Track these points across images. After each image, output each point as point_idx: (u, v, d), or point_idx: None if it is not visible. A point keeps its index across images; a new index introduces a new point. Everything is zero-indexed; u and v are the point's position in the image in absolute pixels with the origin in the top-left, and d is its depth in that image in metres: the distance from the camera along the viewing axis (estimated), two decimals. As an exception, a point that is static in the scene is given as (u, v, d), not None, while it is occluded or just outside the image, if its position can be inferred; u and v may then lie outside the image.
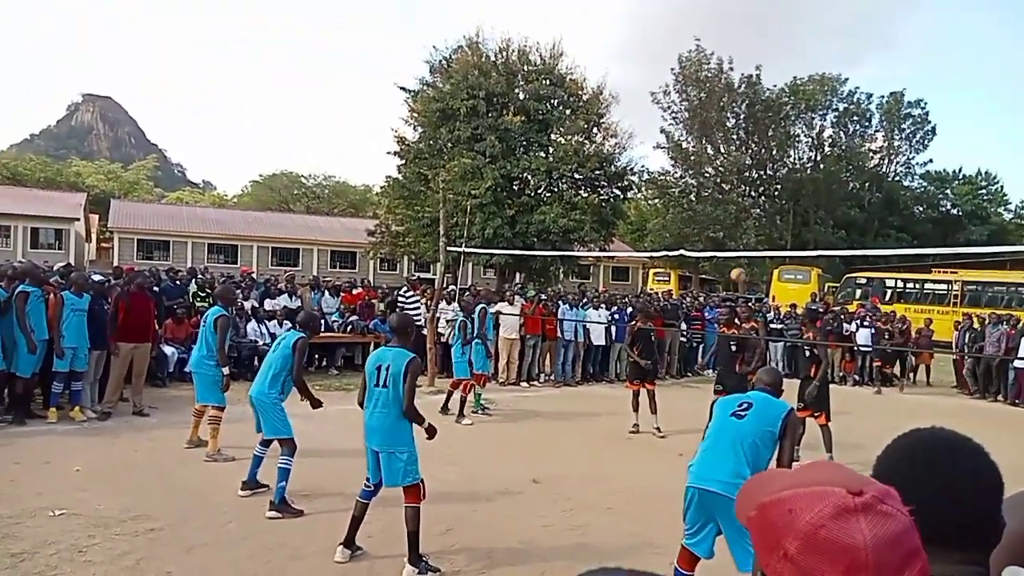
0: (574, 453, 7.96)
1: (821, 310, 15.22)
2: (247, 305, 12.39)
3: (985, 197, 43.70)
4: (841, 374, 15.65)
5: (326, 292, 13.98)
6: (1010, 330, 14.21)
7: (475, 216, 20.54)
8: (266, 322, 12.20)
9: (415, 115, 23.87)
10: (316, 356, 13.39)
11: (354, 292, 14.38)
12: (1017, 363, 13.33)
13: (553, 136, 24.17)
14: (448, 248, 13.30)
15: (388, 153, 24.25)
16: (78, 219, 33.94)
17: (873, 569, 0.75)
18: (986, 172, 44.35)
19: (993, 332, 14.33)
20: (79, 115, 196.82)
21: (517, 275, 24.29)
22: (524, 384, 12.93)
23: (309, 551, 4.80)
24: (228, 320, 7.42)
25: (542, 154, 23.60)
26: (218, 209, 44.07)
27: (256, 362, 11.82)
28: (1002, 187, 44.66)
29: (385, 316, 13.09)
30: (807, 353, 7.99)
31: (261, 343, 11.93)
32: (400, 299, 13.04)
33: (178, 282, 12.31)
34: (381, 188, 27.64)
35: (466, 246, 13.92)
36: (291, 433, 5.80)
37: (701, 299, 19.27)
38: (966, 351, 14.60)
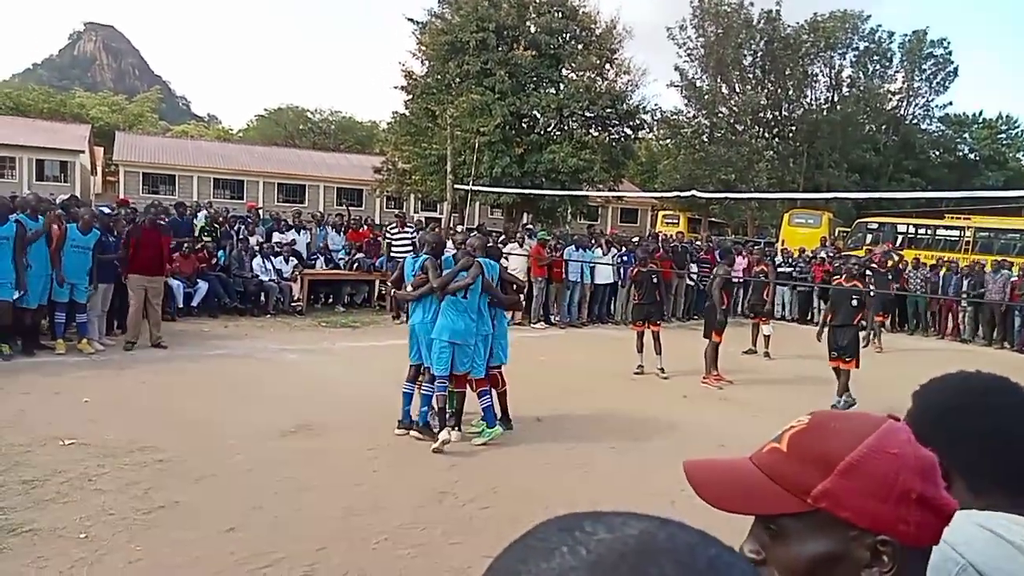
0: (578, 393, 8.00)
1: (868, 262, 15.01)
2: (252, 240, 12.34)
3: (1005, 142, 42.73)
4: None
5: (331, 229, 13.90)
6: (1017, 278, 14.07)
7: (483, 154, 20.22)
8: (271, 258, 12.17)
9: (423, 48, 23.26)
10: (322, 293, 13.42)
11: (360, 230, 14.28)
12: None
13: (564, 72, 23.57)
14: (455, 186, 13.16)
15: (395, 88, 23.78)
16: (83, 151, 33.67)
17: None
18: (1007, 116, 43.24)
19: (996, 278, 14.20)
20: (81, 44, 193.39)
21: (525, 215, 24.08)
22: (530, 325, 12.94)
23: (315, 484, 4.87)
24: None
25: (552, 91, 23.06)
26: (224, 143, 43.59)
27: (263, 297, 11.87)
28: (1022, 131, 43.64)
29: (385, 255, 13.05)
30: (853, 302, 8.00)
31: (267, 279, 11.93)
32: (388, 236, 12.92)
33: (185, 217, 12.25)
34: (388, 124, 27.23)
35: (474, 184, 13.75)
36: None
37: (713, 241, 19.11)
38: (965, 298, 14.49)
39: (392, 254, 12.48)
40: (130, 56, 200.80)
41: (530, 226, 18.08)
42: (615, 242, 15.24)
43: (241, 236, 12.30)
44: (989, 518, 0.97)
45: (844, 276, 8.50)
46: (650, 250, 11.00)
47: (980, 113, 42.62)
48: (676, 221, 31.18)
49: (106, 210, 9.03)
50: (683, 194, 14.24)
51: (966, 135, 41.81)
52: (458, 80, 22.21)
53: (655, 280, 9.47)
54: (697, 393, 8.45)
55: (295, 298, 12.26)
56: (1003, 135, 42.71)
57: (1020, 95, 78.94)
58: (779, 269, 16.70)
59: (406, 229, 12.86)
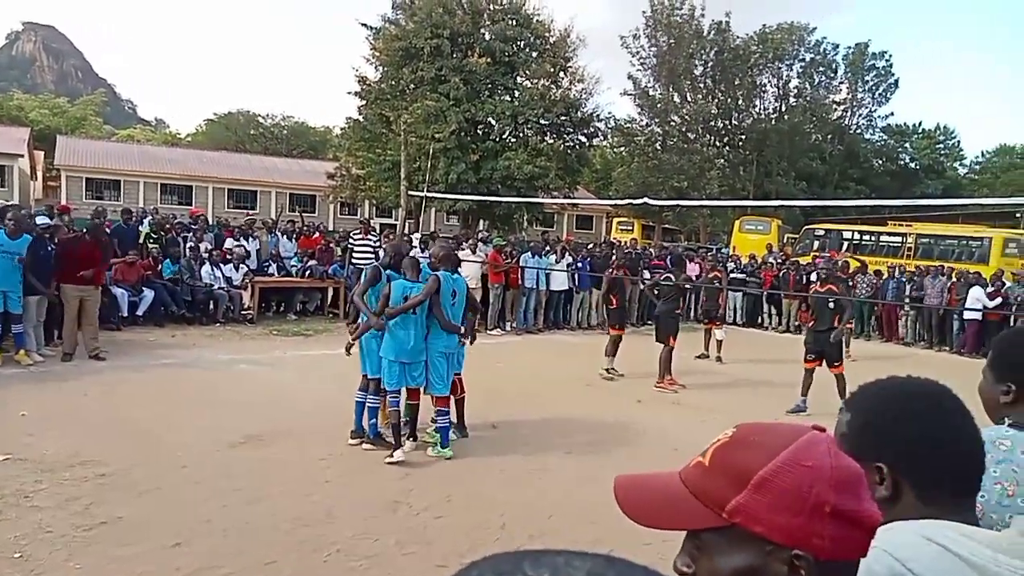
0: (534, 399, 8.00)
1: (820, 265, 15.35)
2: (202, 247, 12.06)
3: (942, 152, 44.46)
4: (797, 323, 15.99)
5: (283, 236, 13.68)
6: (951, 282, 14.69)
7: (438, 160, 20.19)
8: (221, 265, 11.90)
9: (377, 54, 23.11)
10: (274, 301, 13.18)
11: (312, 236, 14.08)
12: (967, 314, 13.74)
13: (519, 79, 23.69)
14: (410, 193, 13.08)
15: (349, 93, 23.58)
16: (22, 155, 32.40)
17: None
18: (944, 127, 45.07)
19: (934, 284, 14.77)
20: (20, 45, 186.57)
21: (481, 222, 24.08)
22: (486, 332, 12.91)
23: (265, 495, 4.76)
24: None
25: (507, 98, 23.15)
26: (171, 148, 42.48)
27: (212, 306, 11.61)
28: (958, 142, 45.49)
29: (343, 262, 12.89)
30: (830, 305, 8.22)
31: (216, 287, 11.67)
32: (351, 242, 12.78)
33: (130, 224, 11.89)
34: (342, 130, 26.97)
35: (428, 191, 13.69)
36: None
37: (667, 248, 19.38)
38: (906, 303, 15.02)
39: (354, 260, 12.34)
40: (72, 57, 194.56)
41: (484, 233, 18.09)
42: (571, 248, 15.34)
43: (190, 243, 12.00)
44: (936, 530, 0.97)
45: (819, 282, 8.69)
46: (630, 256, 11.24)
47: (920, 124, 44.31)
48: (631, 228, 31.56)
49: (43, 220, 8.66)
50: (636, 202, 14.41)
51: (907, 145, 43.38)
52: (412, 86, 22.12)
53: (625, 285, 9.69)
54: (651, 397, 8.54)
55: (245, 306, 12.02)
56: (941, 145, 44.44)
57: (956, 107, 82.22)
58: (731, 275, 17.05)
59: (369, 237, 12.73)
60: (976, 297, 13.66)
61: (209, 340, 10.33)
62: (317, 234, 14.42)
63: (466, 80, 21.71)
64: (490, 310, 13.09)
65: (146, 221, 12.50)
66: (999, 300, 13.43)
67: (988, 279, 14.18)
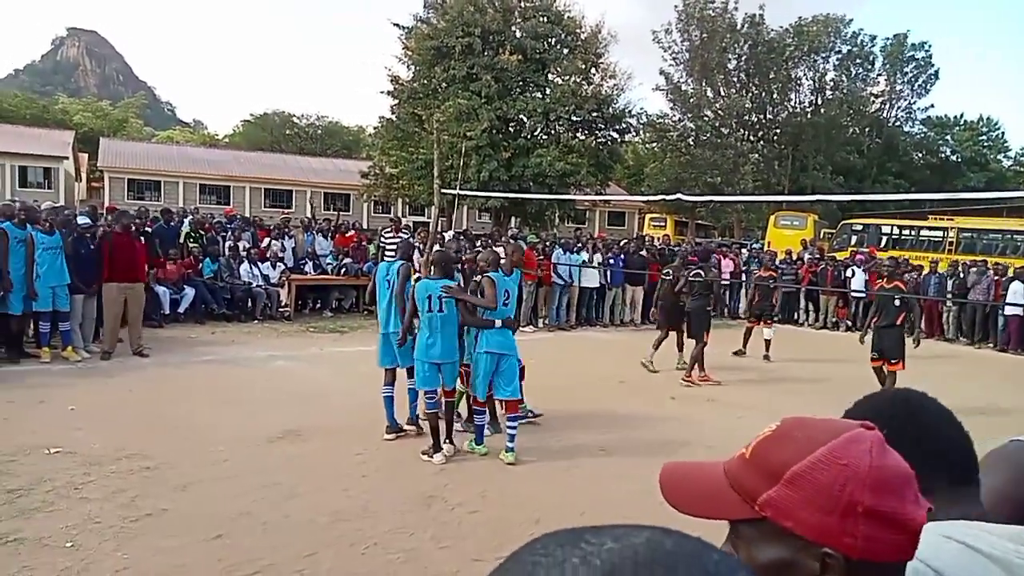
0: (566, 396, 8.01)
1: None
2: (240, 246, 12.30)
3: (985, 143, 43.27)
4: (834, 320, 15.73)
5: (318, 234, 13.87)
6: (997, 278, 14.24)
7: (470, 158, 20.25)
8: (259, 263, 12.12)
9: (409, 53, 23.27)
10: (310, 299, 13.38)
11: (347, 234, 14.25)
12: (1008, 310, 13.38)
13: (550, 76, 23.65)
14: (442, 191, 13.13)
15: (381, 93, 23.79)
16: (67, 157, 33.39)
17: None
18: (987, 118, 43.86)
19: (982, 280, 14.34)
20: (64, 50, 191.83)
21: (513, 219, 24.11)
22: (519, 328, 12.95)
23: (303, 490, 4.85)
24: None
25: (539, 95, 23.13)
26: (209, 149, 43.35)
27: (250, 303, 11.84)
28: (1003, 133, 44.23)
29: (377, 259, 13.01)
30: (896, 303, 8.15)
31: (254, 284, 11.89)
32: (383, 240, 12.90)
33: (171, 223, 12.18)
34: (375, 129, 27.24)
35: (461, 189, 13.75)
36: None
37: (700, 244, 19.19)
38: (949, 298, 14.62)
39: (386, 258, 12.46)
40: (114, 61, 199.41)
41: (516, 230, 18.11)
42: (603, 245, 15.30)
43: (230, 242, 12.25)
44: (955, 528, 0.97)
45: (886, 279, 8.63)
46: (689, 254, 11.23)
47: (962, 115, 43.16)
48: (663, 224, 31.30)
49: (84, 219, 8.89)
50: (669, 198, 14.33)
51: (948, 137, 42.31)
52: (444, 85, 22.23)
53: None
54: (684, 395, 8.49)
55: (283, 303, 12.22)
56: (984, 137, 43.25)
57: (1000, 97, 79.84)
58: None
59: (400, 234, 12.85)
60: (1017, 292, 13.28)
61: (247, 337, 10.54)
62: (352, 232, 14.60)
63: (497, 78, 21.75)
64: (523, 307, 13.11)
65: (187, 221, 12.78)
66: None
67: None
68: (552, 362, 10.07)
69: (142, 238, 9.48)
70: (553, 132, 23.20)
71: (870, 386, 7.55)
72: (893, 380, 7.88)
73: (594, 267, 13.69)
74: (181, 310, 11.08)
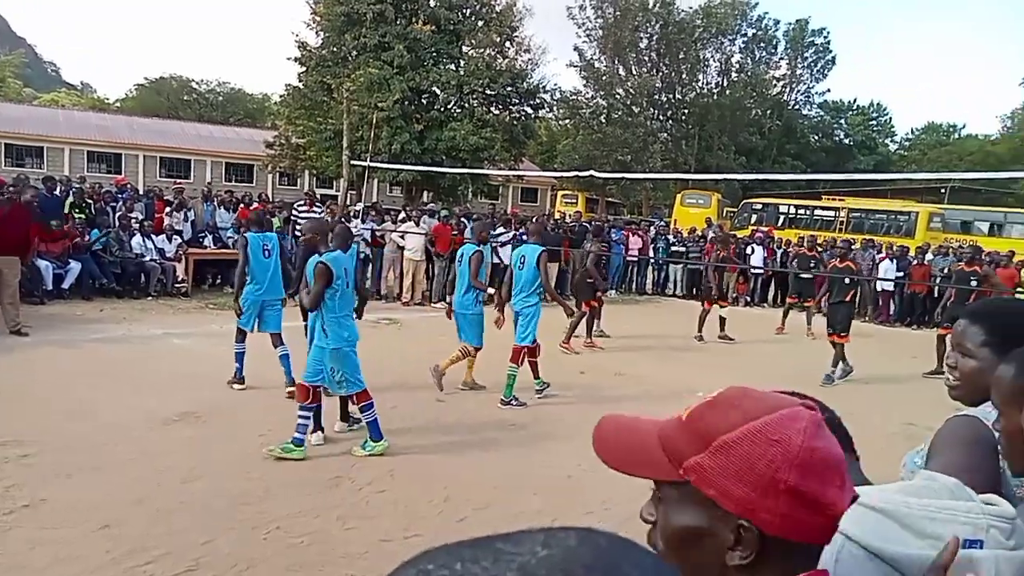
0: (479, 372, 7.98)
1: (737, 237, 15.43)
2: (133, 218, 11.56)
3: (875, 128, 45.92)
4: (735, 295, 16.38)
5: (219, 206, 13.23)
6: (880, 255, 15.25)
7: (381, 130, 19.78)
8: (153, 236, 11.45)
9: (318, 18, 22.40)
10: (210, 274, 12.77)
11: (251, 206, 13.64)
12: (879, 285, 14.29)
13: (464, 49, 23.34)
14: (352, 163, 12.80)
15: (288, 59, 22.80)
16: (-67, 119, 30.44)
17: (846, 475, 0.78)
18: (877, 104, 46.51)
19: (864, 256, 15.23)
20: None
21: (425, 193, 23.79)
22: (430, 305, 12.83)
23: (201, 473, 4.63)
24: (482, 256, 7.07)
25: (452, 67, 22.80)
26: (99, 114, 40.48)
27: (143, 279, 11.19)
28: (890, 119, 47.07)
29: (284, 232, 12.55)
30: (846, 281, 8.69)
31: (148, 258, 11.23)
32: (294, 214, 12.45)
33: (54, 193, 11.29)
34: (281, 97, 26.09)
35: (371, 161, 13.41)
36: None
37: (609, 221, 19.52)
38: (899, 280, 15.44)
39: (297, 233, 12.03)
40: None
41: (432, 205, 17.87)
42: (516, 221, 15.30)
43: (120, 212, 11.49)
44: (862, 492, 0.99)
45: (838, 259, 9.12)
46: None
47: (855, 100, 45.59)
48: (575, 201, 31.69)
49: None
50: (582, 174, 14.42)
51: (842, 121, 44.66)
52: (355, 53, 21.56)
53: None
54: (593, 367, 8.62)
55: (180, 279, 11.61)
56: (874, 122, 45.86)
57: (888, 84, 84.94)
58: (672, 248, 17.32)
59: (314, 209, 12.41)
60: (888, 269, 14.26)
61: (140, 314, 9.96)
62: (256, 203, 13.98)
63: (410, 48, 21.26)
64: (434, 283, 12.99)
65: (72, 190, 11.90)
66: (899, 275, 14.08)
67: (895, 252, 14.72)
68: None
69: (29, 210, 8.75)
70: (467, 105, 22.94)
71: (771, 358, 7.91)
72: (841, 351, 8.49)
73: (507, 242, 13.67)
74: (66, 285, 10.33)
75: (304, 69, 22.59)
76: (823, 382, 8.41)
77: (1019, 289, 13.22)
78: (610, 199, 36.65)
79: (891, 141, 47.53)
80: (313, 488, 4.57)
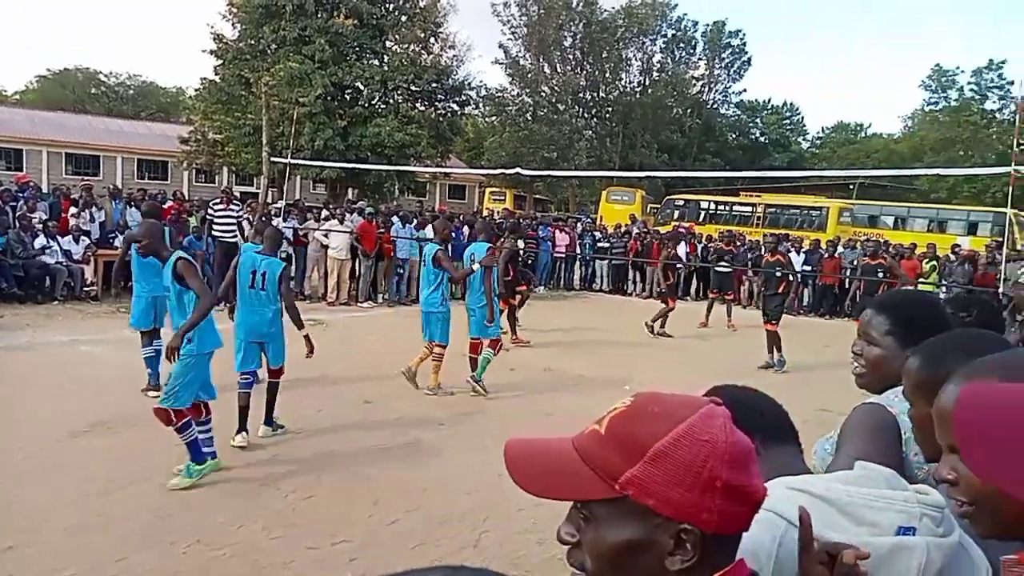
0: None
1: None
2: (35, 218, 10.91)
3: (788, 127, 47.85)
4: (659, 289, 16.75)
5: (130, 205, 12.63)
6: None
7: (303, 126, 19.34)
8: (58, 237, 10.84)
9: (234, 10, 21.65)
10: (121, 277, 12.16)
11: (165, 205, 13.09)
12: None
13: (388, 44, 23.04)
14: (272, 160, 12.45)
15: (204, 52, 21.97)
16: None
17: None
18: (790, 103, 48.49)
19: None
20: None
21: (350, 191, 23.38)
22: (356, 304, 12.63)
23: (115, 487, 4.42)
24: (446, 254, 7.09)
25: (376, 62, 22.47)
26: (-4, 106, 38.06)
27: (48, 282, 10.59)
28: (802, 118, 49.14)
29: (200, 232, 12.12)
30: (778, 273, 9.28)
31: (53, 261, 10.63)
32: (210, 213, 12.00)
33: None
34: (196, 91, 25.12)
35: (293, 158, 13.08)
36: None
37: (537, 218, 19.67)
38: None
39: (214, 233, 11.61)
40: None
41: (360, 203, 17.57)
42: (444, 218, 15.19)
43: (20, 213, 10.82)
44: (794, 480, 1.06)
45: (770, 254, 9.72)
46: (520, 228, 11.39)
47: (769, 100, 47.35)
48: (503, 198, 31.76)
49: None
50: (508, 172, 14.49)
51: (758, 120, 46.33)
52: (274, 46, 20.98)
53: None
54: (523, 365, 8.67)
55: (88, 282, 11.03)
56: (787, 121, 47.78)
57: (800, 85, 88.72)
58: (598, 244, 17.60)
59: (232, 207, 11.96)
60: (795, 261, 14.86)
61: (46, 320, 9.42)
62: (171, 202, 13.42)
63: (332, 42, 20.83)
64: (361, 282, 12.80)
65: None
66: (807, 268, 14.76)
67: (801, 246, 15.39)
68: (393, 338, 9.91)
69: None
70: (392, 101, 22.66)
71: (700, 351, 8.11)
72: (775, 339, 8.99)
73: (434, 240, 13.58)
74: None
75: (220, 62, 21.81)
76: (776, 368, 9.02)
77: (922, 279, 14.06)
78: (538, 196, 36.91)
79: (803, 139, 49.64)
80: (235, 497, 4.43)
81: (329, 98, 20.90)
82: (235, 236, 11.45)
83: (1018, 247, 16.02)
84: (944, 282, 13.81)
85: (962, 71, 37.38)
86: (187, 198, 15.81)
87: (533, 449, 0.85)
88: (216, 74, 22.07)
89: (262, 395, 5.49)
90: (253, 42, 21.40)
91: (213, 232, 11.68)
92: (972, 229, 20.31)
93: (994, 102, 36.56)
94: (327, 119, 20.63)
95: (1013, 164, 7.57)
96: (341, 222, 12.57)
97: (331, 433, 5.69)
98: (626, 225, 18.82)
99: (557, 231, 17.21)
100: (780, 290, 9.31)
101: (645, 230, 18.25)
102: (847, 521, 0.97)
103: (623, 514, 0.77)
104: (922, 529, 0.97)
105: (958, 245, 15.83)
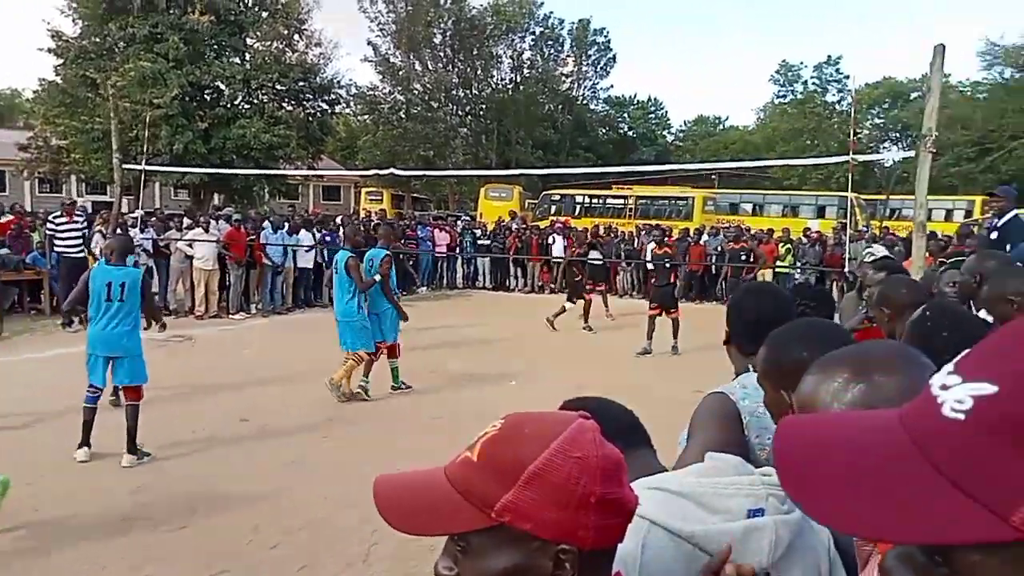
0: (286, 385, 7.61)
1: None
2: None
3: (654, 121, 50.02)
4: (540, 283, 17.08)
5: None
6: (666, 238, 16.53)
7: (160, 129, 18.17)
8: None
9: (74, 5, 19.98)
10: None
11: (2, 220, 11.91)
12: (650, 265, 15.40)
13: (249, 41, 22.03)
14: (126, 166, 11.59)
15: (41, 50, 20.12)
16: None
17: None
18: (655, 99, 50.70)
19: (648, 241, 16.41)
20: None
21: (215, 196, 22.21)
22: (228, 316, 12.01)
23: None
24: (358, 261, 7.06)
25: (237, 60, 21.45)
26: None
27: None
28: (666, 112, 51.51)
29: (45, 250, 11.13)
30: (667, 265, 10.01)
31: None
32: (51, 227, 11.01)
33: None
34: (35, 93, 23.01)
35: (149, 163, 12.24)
36: None
37: (415, 218, 19.47)
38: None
39: (57, 249, 10.66)
40: None
41: (228, 209, 16.70)
42: (317, 222, 14.73)
43: None
44: (652, 479, 1.09)
45: (657, 246, 10.42)
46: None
47: (635, 96, 49.27)
48: (380, 198, 31.24)
49: None
50: (383, 172, 14.25)
51: (625, 115, 48.10)
52: (122, 44, 19.55)
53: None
54: (406, 369, 8.54)
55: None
56: (652, 115, 49.94)
57: (663, 81, 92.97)
58: (479, 241, 17.67)
59: (75, 219, 11.00)
60: (651, 250, 15.51)
61: None
62: (9, 216, 12.20)
63: (187, 39, 19.65)
64: (231, 292, 12.19)
65: None
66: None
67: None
68: (269, 350, 9.51)
69: None
70: (257, 101, 21.69)
71: (581, 342, 8.26)
72: (676, 324, 9.52)
73: (307, 245, 13.13)
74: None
75: (61, 61, 20.07)
76: (671, 353, 9.51)
77: (780, 263, 15.10)
78: (416, 195, 36.57)
79: (668, 133, 52.04)
80: (98, 534, 4.07)
81: (187, 99, 19.74)
82: (81, 251, 10.61)
83: (860, 228, 17.55)
84: (798, 263, 14.89)
85: (805, 66, 40.47)
86: (29, 211, 14.46)
87: (403, 485, 0.82)
88: (57, 74, 20.30)
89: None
90: (98, 40, 19.83)
91: (55, 248, 10.75)
92: (821, 213, 22.02)
93: (834, 94, 39.86)
94: (186, 121, 19.47)
95: (851, 153, 8.21)
96: (206, 230, 11.90)
97: (204, 456, 5.37)
98: (506, 221, 19.01)
99: (437, 230, 17.12)
100: (671, 280, 9.98)
101: (524, 226, 18.51)
102: (703, 511, 1.02)
103: (501, 541, 0.75)
104: (769, 509, 1.03)
105: (809, 228, 17.10)
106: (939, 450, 0.45)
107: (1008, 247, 5.04)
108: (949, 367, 0.48)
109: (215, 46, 20.86)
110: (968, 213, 20.24)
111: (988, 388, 0.44)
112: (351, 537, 4.10)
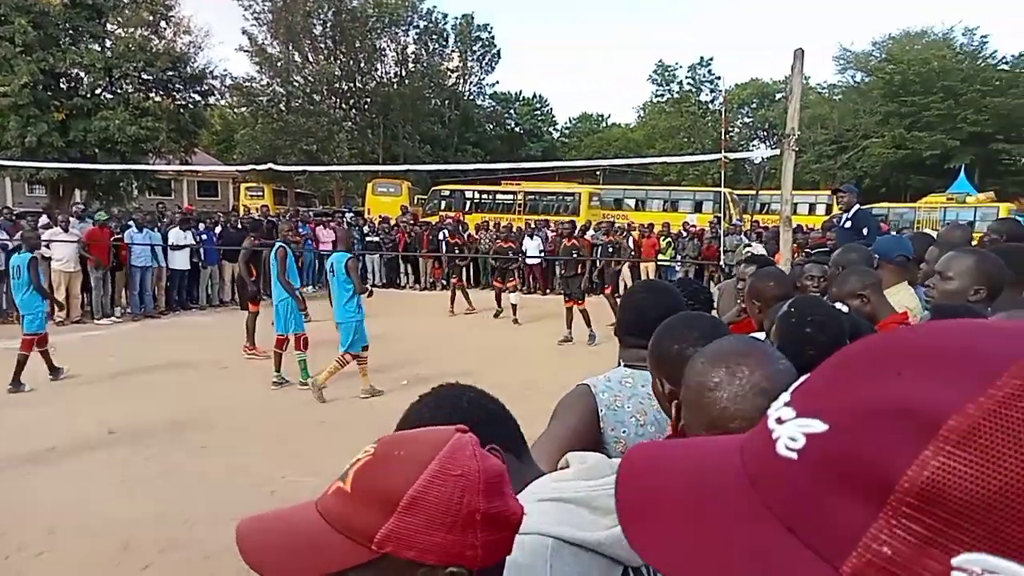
0: (157, 392, 7.15)
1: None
2: None
3: (540, 118, 50.77)
4: (431, 280, 16.95)
5: None
6: (553, 234, 16.82)
7: (8, 119, 16.63)
8: None
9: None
10: None
11: None
12: (529, 260, 15.66)
13: (110, 27, 20.49)
14: (-33, 160, 10.52)
15: None
16: None
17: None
18: (540, 95, 51.43)
19: (533, 240, 16.59)
20: None
21: (77, 192, 20.57)
22: (93, 321, 11.16)
23: None
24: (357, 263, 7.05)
25: (97, 47, 19.88)
26: None
27: None
28: (551, 110, 52.39)
29: None
30: (575, 256, 10.32)
31: None
32: None
33: None
34: None
35: (-6, 158, 11.15)
36: None
37: (299, 214, 18.80)
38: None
39: None
40: None
41: (81, 206, 15.48)
42: (193, 219, 13.93)
43: None
44: (541, 489, 1.06)
45: (567, 238, 10.62)
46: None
47: (520, 92, 49.81)
48: (261, 194, 30.02)
49: None
50: (260, 167, 13.65)
51: (512, 111, 48.55)
52: (-40, 28, 17.68)
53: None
54: (291, 370, 8.24)
55: None
56: (538, 112, 50.68)
57: (547, 78, 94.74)
58: (367, 238, 17.30)
59: None
60: (531, 245, 15.67)
61: None
62: None
63: (37, 23, 18.01)
64: (94, 295, 11.33)
65: None
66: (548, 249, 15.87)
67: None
68: (138, 356, 8.90)
69: None
70: (120, 91, 20.20)
71: (475, 335, 8.23)
72: (585, 315, 9.74)
73: (178, 246, 12.40)
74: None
75: None
76: (589, 342, 9.68)
77: (661, 256, 15.69)
78: (300, 191, 35.34)
79: (554, 129, 52.96)
80: (-61, 571, 3.66)
81: (40, 87, 18.11)
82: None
83: (734, 221, 18.55)
84: (678, 256, 15.55)
85: (680, 66, 42.25)
86: None
87: (271, 527, 0.75)
88: None
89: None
90: (-75, 21, 17.87)
91: None
92: (699, 207, 23.11)
93: (707, 94, 41.87)
94: (39, 111, 17.88)
95: (723, 151, 8.65)
96: (66, 230, 10.99)
97: (67, 471, 4.95)
98: (395, 217, 18.72)
99: (316, 227, 16.63)
100: (579, 271, 10.23)
101: (413, 222, 18.30)
102: (597, 516, 1.00)
103: (384, 572, 0.70)
104: None
105: (687, 222, 17.90)
106: (774, 492, 0.41)
107: (866, 231, 5.67)
108: (785, 396, 0.45)
109: (71, 31, 19.27)
110: (829, 208, 21.86)
111: (818, 426, 0.40)
112: (232, 552, 3.86)
